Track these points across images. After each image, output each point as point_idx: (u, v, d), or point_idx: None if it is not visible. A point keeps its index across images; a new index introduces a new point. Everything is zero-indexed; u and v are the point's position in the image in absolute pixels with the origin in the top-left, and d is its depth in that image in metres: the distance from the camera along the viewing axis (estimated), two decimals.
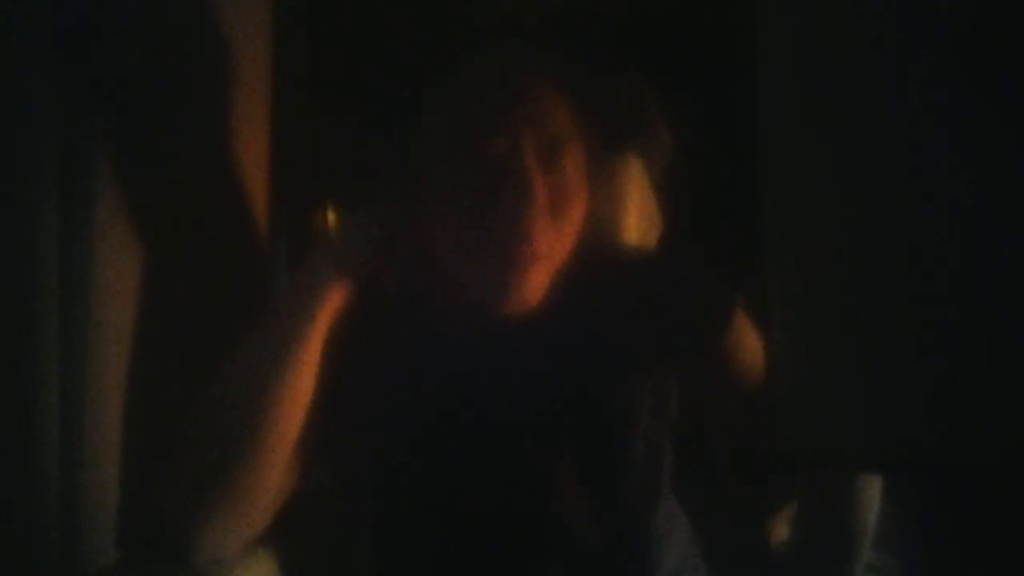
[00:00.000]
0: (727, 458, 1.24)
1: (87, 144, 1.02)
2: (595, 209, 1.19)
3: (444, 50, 1.15)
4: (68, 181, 1.00)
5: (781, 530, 1.28)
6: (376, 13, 1.27)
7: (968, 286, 0.88)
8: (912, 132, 0.89)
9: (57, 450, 0.99)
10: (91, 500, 1.03)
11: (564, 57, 1.14)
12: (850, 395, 0.91)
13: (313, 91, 1.32)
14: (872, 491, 1.24)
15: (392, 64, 1.16)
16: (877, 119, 0.90)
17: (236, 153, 1.24)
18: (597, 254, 1.16)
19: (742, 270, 1.02)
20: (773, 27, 0.91)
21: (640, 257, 1.25)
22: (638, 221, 1.31)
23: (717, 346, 1.17)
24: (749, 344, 1.17)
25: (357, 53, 1.21)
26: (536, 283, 1.08)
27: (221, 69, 1.20)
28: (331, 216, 1.37)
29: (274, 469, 1.07)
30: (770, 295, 0.93)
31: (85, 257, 1.01)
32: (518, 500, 1.12)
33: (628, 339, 1.15)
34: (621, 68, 1.35)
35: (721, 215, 1.26)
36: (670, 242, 1.32)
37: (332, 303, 1.08)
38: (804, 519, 1.26)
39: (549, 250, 1.08)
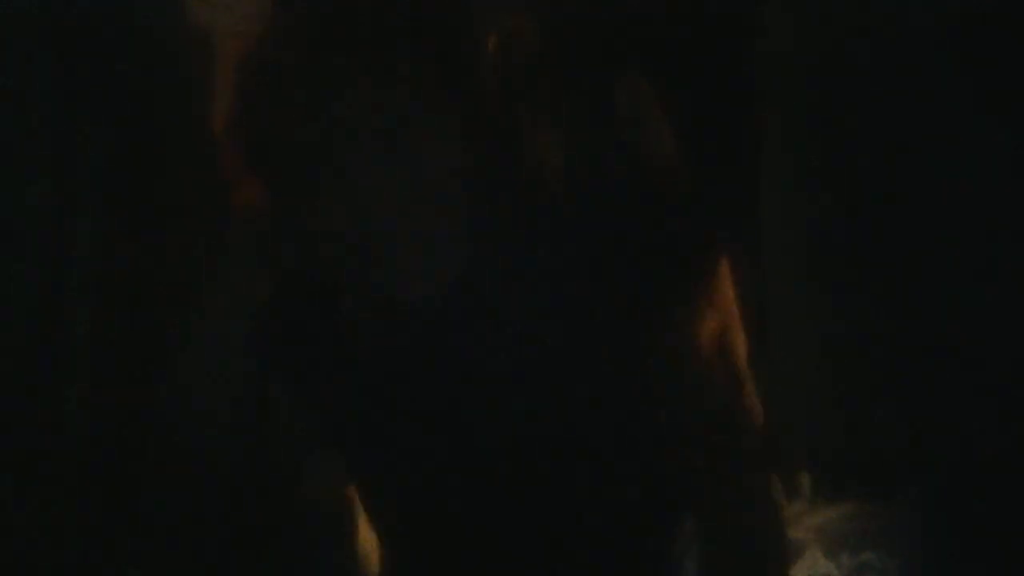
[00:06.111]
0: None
1: (86, 143, 1.02)
2: None
3: (443, 47, 1.15)
4: (67, 181, 1.00)
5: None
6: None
7: (969, 285, 0.88)
8: (912, 132, 0.90)
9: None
10: None
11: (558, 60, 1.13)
12: (849, 398, 0.91)
13: None
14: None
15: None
16: (877, 119, 0.90)
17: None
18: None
19: (741, 269, 1.02)
20: (773, 27, 0.92)
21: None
22: None
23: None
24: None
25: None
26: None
27: (221, 68, 1.21)
28: None
29: None
30: (770, 297, 0.93)
31: (84, 256, 1.01)
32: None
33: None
34: (620, 69, 1.35)
35: (721, 216, 1.26)
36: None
37: None
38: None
39: None
